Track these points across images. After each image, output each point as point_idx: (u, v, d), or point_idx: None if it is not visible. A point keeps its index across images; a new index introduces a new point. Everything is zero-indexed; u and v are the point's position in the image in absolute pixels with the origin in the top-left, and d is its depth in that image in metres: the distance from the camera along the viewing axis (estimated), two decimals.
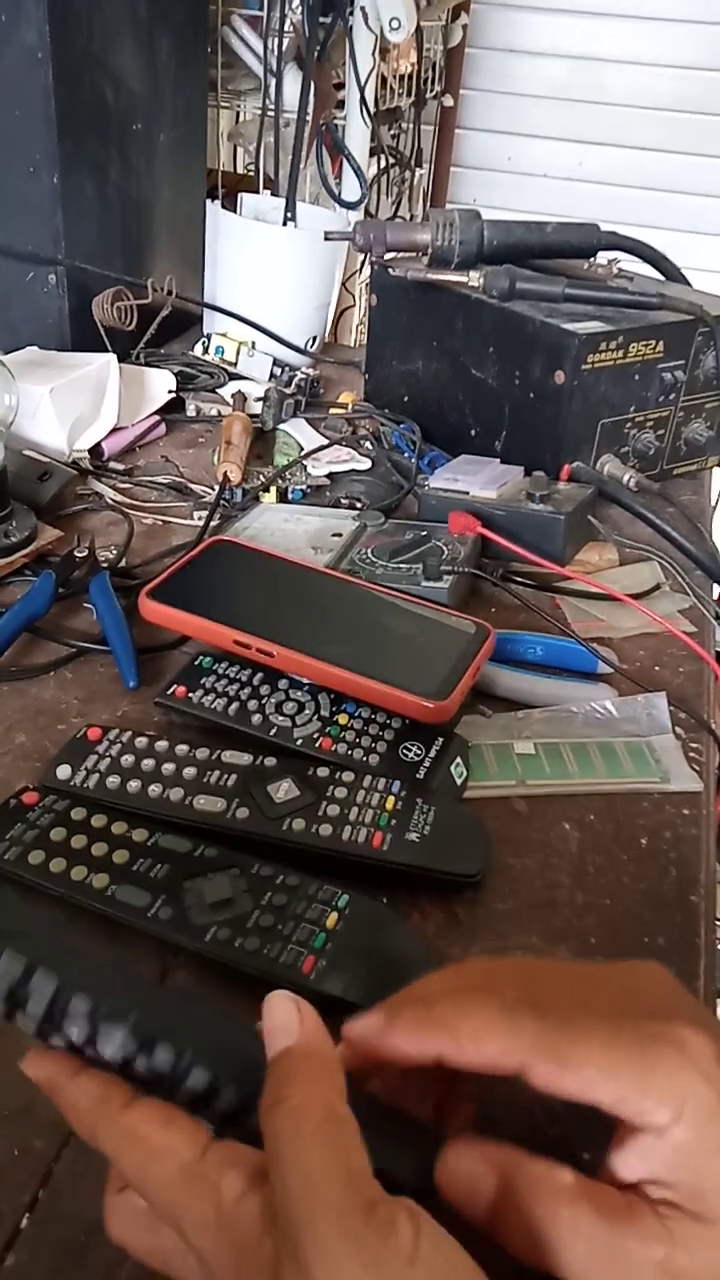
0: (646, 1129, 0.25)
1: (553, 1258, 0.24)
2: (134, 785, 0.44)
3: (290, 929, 0.37)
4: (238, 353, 0.98)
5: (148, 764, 0.45)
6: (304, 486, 0.78)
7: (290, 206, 1.16)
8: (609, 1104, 0.25)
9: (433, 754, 0.48)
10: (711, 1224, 0.24)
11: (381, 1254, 0.21)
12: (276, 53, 1.31)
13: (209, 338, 1.00)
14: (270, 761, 0.45)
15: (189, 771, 0.45)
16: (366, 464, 0.82)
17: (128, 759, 0.45)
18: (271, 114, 1.35)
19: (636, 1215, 0.25)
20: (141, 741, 0.46)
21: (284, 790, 0.43)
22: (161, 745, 0.46)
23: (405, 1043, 0.26)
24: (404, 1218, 0.21)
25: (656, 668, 0.61)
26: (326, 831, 0.42)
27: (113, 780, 0.44)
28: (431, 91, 1.81)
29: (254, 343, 1.00)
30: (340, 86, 1.46)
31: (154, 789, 0.44)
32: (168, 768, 0.45)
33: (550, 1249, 0.24)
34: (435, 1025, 0.26)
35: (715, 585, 0.72)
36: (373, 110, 1.45)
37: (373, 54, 1.40)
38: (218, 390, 0.94)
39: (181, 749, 0.46)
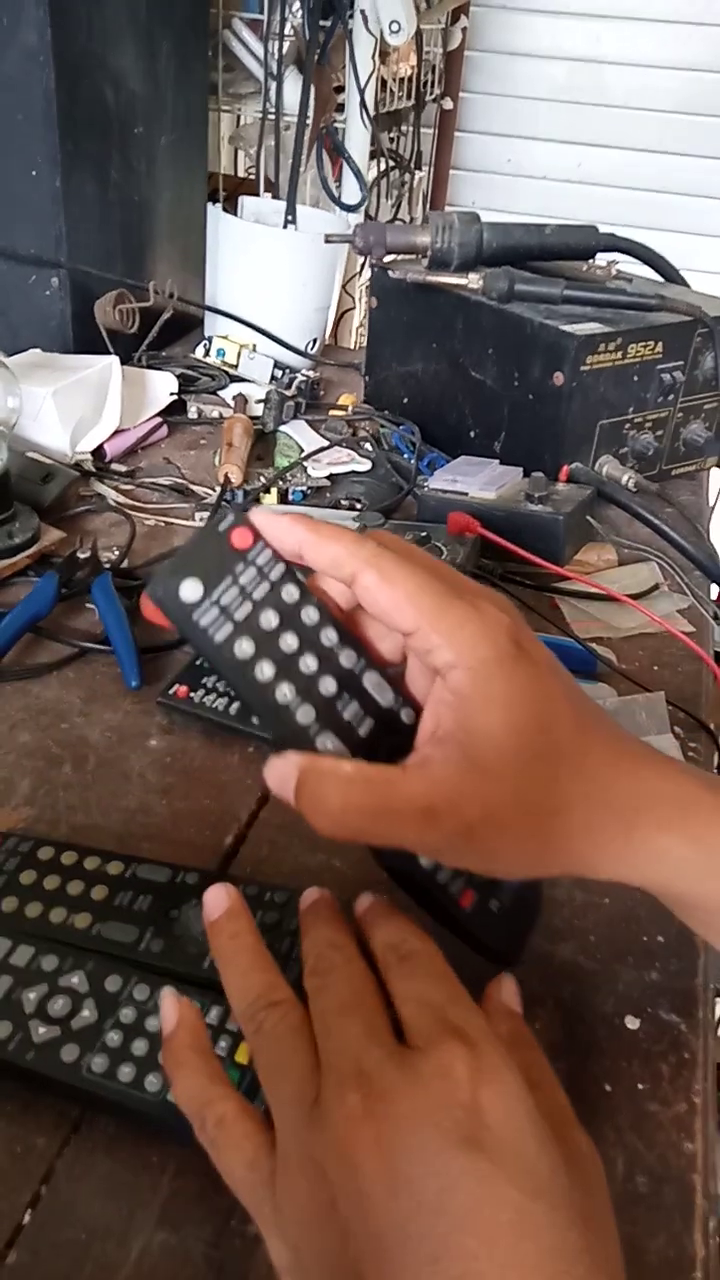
0: (431, 669, 0.29)
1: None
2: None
3: (287, 947, 0.37)
4: (239, 355, 0.99)
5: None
6: (304, 488, 0.79)
7: (290, 209, 1.16)
8: (407, 629, 0.29)
9: None
10: (481, 771, 0.28)
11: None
12: (277, 56, 1.31)
13: (210, 340, 1.01)
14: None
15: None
16: (366, 465, 0.83)
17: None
18: (272, 117, 1.35)
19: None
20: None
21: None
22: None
23: (282, 528, 0.31)
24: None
25: (655, 668, 0.61)
26: None
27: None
28: (431, 94, 1.81)
29: (255, 345, 1.00)
30: (340, 90, 1.46)
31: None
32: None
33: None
34: (305, 523, 0.31)
35: (714, 585, 0.72)
36: (373, 113, 1.46)
37: (373, 57, 1.40)
38: (219, 392, 0.94)
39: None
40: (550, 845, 0.29)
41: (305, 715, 0.30)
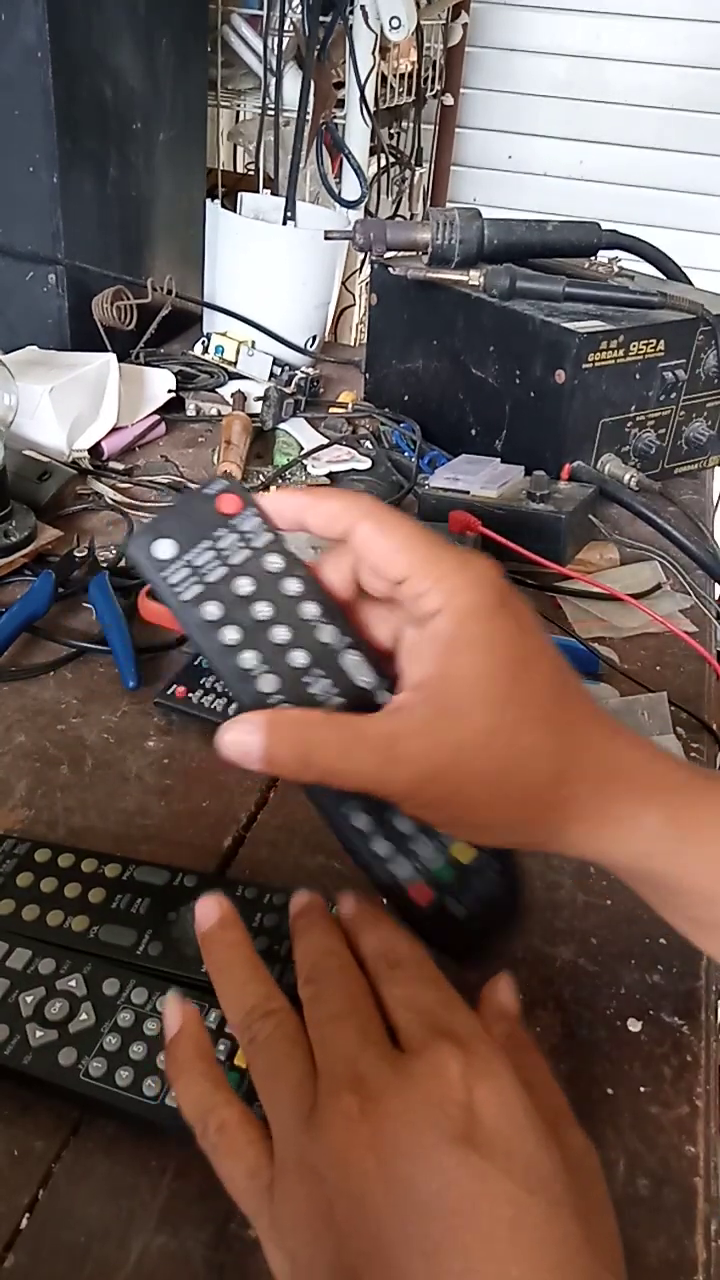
0: (418, 622, 0.29)
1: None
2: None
3: (287, 949, 0.36)
4: (237, 352, 0.98)
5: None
6: (304, 486, 0.78)
7: (290, 205, 1.15)
8: (399, 575, 0.29)
9: None
10: (448, 715, 0.28)
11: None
12: (276, 52, 1.31)
13: (209, 337, 1.00)
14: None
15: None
16: (366, 463, 0.82)
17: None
18: (271, 113, 1.35)
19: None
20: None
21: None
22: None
23: (281, 499, 0.31)
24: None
25: (657, 667, 0.60)
26: None
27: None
28: (432, 90, 1.81)
29: (254, 342, 1.00)
30: (340, 85, 1.45)
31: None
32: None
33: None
34: (306, 491, 0.32)
35: (716, 585, 0.71)
36: (373, 109, 1.45)
37: (373, 53, 1.39)
38: (217, 390, 0.94)
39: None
40: (520, 804, 0.29)
41: (268, 684, 0.30)
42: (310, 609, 0.31)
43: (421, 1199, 0.24)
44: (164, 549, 0.30)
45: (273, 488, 0.77)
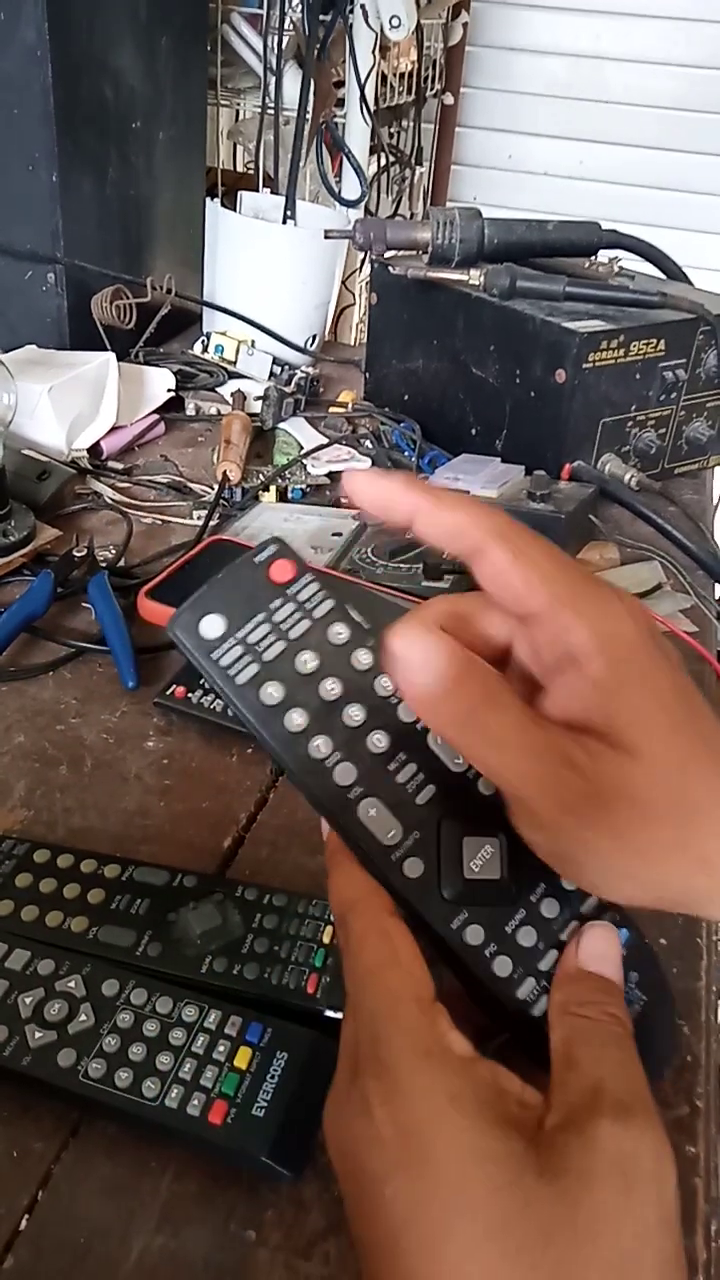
0: (568, 663, 0.26)
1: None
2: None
3: (287, 950, 0.36)
4: (237, 351, 0.98)
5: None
6: (304, 486, 0.78)
7: (290, 205, 1.15)
8: (539, 610, 0.26)
9: None
10: (626, 751, 0.25)
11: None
12: (276, 51, 1.31)
13: (208, 336, 1.00)
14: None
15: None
16: (366, 463, 0.82)
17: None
18: (271, 112, 1.34)
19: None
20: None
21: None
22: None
23: (392, 491, 0.27)
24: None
25: None
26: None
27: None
28: (432, 89, 1.81)
29: (253, 341, 1.00)
30: (340, 84, 1.45)
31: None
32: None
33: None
34: (420, 486, 0.27)
35: (716, 585, 0.71)
36: (373, 108, 1.45)
37: (373, 52, 1.39)
38: (217, 389, 0.94)
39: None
40: (684, 846, 0.26)
41: (345, 774, 0.26)
42: (385, 682, 0.27)
43: None
44: (212, 626, 0.26)
45: (272, 487, 0.77)
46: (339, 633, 0.27)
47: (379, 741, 0.27)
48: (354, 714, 0.27)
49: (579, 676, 0.26)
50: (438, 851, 0.26)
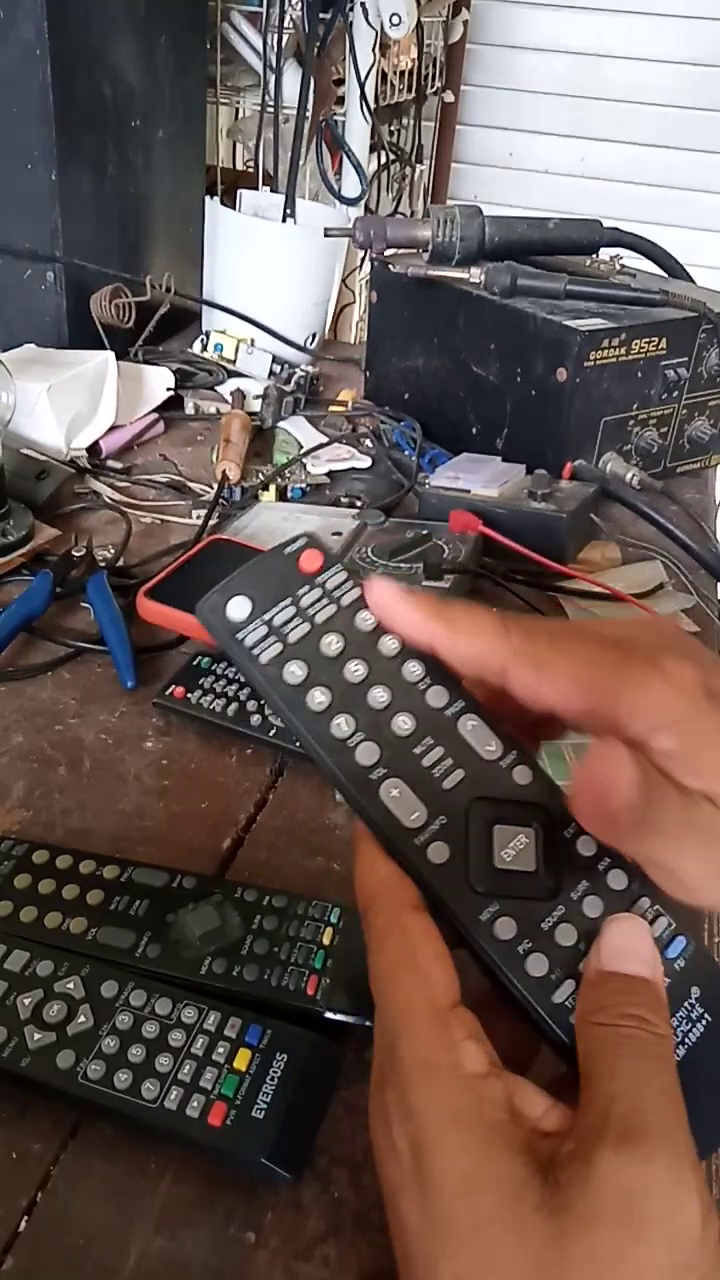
0: (638, 746, 0.25)
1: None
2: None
3: (287, 951, 0.36)
4: (237, 350, 0.98)
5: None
6: (303, 485, 0.78)
7: (290, 203, 1.15)
8: (580, 714, 0.25)
9: None
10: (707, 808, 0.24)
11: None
12: (276, 49, 1.31)
13: (208, 335, 1.00)
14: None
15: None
16: (366, 462, 0.82)
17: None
18: (271, 110, 1.34)
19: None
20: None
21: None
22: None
23: (409, 618, 0.27)
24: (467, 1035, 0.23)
25: None
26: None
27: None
28: (432, 87, 1.80)
29: (253, 340, 0.99)
30: (340, 82, 1.45)
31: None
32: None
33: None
34: (440, 614, 0.27)
35: (718, 585, 0.71)
36: (373, 106, 1.45)
37: (373, 50, 1.39)
38: (216, 388, 0.93)
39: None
40: None
41: (367, 754, 0.26)
42: (413, 668, 0.27)
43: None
44: (239, 609, 0.26)
45: (272, 486, 0.77)
46: (365, 619, 0.27)
47: (404, 723, 0.26)
48: (379, 696, 0.26)
49: (654, 755, 0.25)
50: (465, 839, 0.26)
